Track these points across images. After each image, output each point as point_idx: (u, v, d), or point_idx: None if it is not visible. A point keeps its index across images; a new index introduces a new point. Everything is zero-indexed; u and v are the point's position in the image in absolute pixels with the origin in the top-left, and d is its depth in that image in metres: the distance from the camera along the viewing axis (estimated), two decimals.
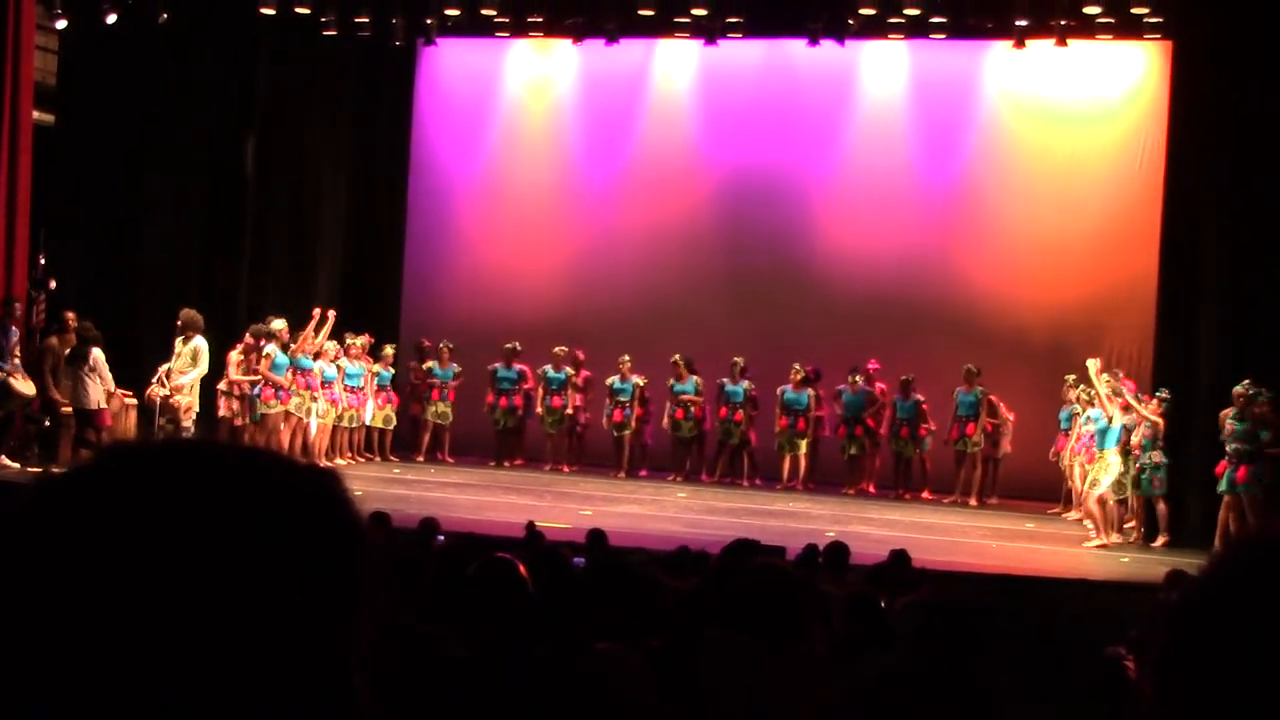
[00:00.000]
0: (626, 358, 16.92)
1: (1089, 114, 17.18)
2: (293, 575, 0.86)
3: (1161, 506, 13.72)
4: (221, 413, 14.98)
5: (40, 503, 0.88)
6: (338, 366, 16.15)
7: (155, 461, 0.91)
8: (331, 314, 15.82)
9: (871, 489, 16.49)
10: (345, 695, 0.90)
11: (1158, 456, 13.60)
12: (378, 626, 0.93)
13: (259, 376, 15.00)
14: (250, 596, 0.85)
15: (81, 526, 0.85)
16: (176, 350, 14.63)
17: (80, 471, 0.90)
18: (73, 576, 0.84)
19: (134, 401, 14.93)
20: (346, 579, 0.90)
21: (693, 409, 16.77)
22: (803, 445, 16.53)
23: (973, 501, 16.03)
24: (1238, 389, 13.05)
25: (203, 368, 14.66)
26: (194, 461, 0.91)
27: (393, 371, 17.21)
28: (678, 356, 16.77)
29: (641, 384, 16.93)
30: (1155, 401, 13.70)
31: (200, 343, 14.64)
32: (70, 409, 14.04)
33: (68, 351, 14.16)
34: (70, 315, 14.53)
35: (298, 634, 0.86)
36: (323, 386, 15.88)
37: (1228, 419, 13.12)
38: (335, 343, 16.34)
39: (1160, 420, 13.58)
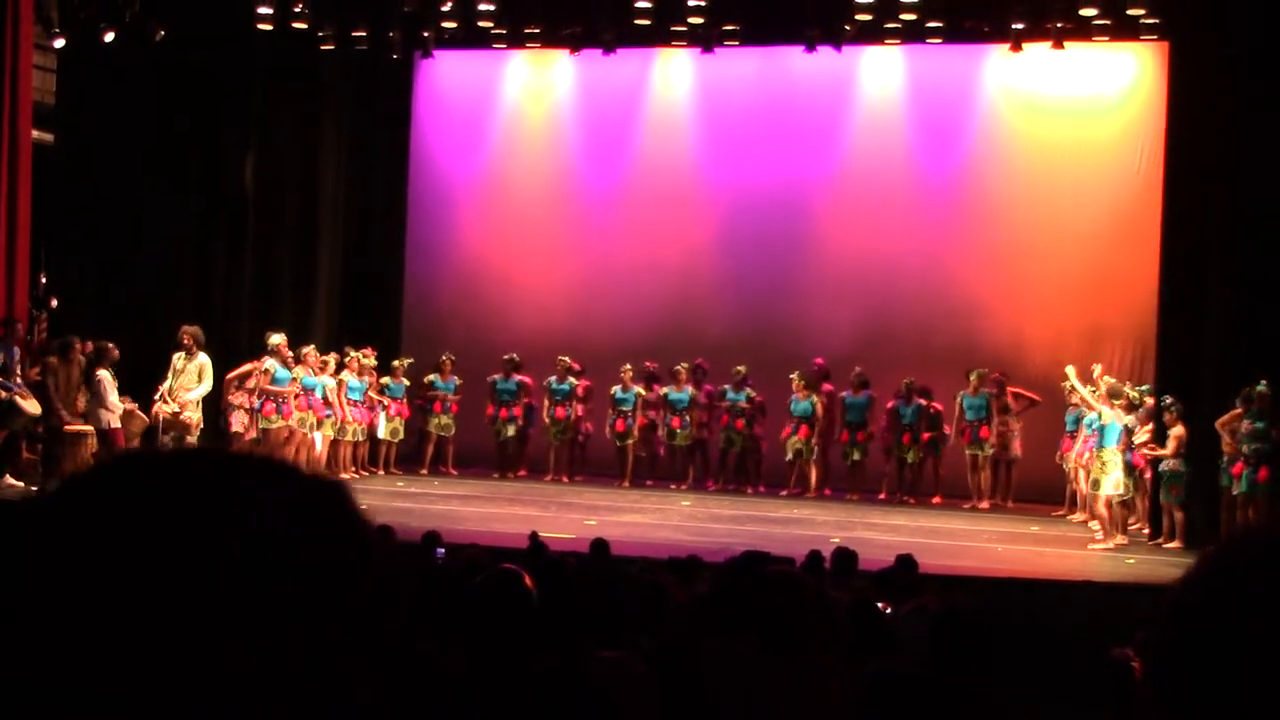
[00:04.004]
0: (629, 367, 16.90)
1: (1087, 116, 17.17)
2: (303, 581, 0.86)
3: (1179, 514, 13.64)
4: (234, 428, 15.00)
5: (45, 512, 0.87)
6: (339, 380, 16.15)
7: (168, 467, 0.90)
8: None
9: (883, 495, 16.42)
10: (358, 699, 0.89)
11: (1175, 464, 13.52)
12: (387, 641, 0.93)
13: (263, 390, 15.07)
14: (256, 604, 0.84)
15: (91, 532, 0.85)
16: (178, 367, 14.64)
17: (86, 479, 0.89)
18: (85, 580, 0.83)
19: (144, 416, 14.95)
20: (356, 588, 0.89)
21: (688, 418, 16.70)
22: (810, 453, 16.49)
23: (984, 505, 15.94)
24: (1261, 389, 12.96)
25: (208, 384, 14.72)
26: (208, 466, 0.90)
27: (405, 384, 17.19)
28: (683, 365, 16.75)
29: (644, 393, 16.91)
30: (1168, 414, 13.59)
31: (205, 359, 14.71)
32: (76, 427, 14.06)
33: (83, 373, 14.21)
34: (75, 339, 14.52)
35: (305, 642, 0.85)
36: (326, 404, 15.89)
37: (1243, 420, 13.01)
38: (336, 356, 16.36)
39: (1180, 427, 13.49)
